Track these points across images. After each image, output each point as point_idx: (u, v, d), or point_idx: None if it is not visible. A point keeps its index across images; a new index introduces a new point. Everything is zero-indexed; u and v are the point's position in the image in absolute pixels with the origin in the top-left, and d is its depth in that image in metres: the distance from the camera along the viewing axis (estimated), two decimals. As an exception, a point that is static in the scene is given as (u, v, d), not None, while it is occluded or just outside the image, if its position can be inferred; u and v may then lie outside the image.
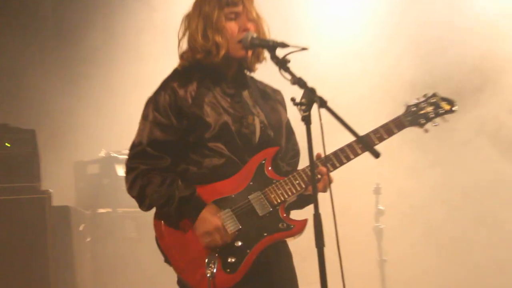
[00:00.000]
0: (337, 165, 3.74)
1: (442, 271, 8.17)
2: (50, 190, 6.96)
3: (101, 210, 8.24)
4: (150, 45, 9.17)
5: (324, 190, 3.69)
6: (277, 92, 4.02)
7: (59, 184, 8.22)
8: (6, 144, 6.89)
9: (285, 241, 3.83)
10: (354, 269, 6.99)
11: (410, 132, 3.96)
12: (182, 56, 3.85)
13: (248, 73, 3.93)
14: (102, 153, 8.59)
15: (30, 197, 6.83)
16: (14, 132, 6.95)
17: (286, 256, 3.88)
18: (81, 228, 7.86)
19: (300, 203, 3.86)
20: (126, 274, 7.92)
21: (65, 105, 9.21)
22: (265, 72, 3.88)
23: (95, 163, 8.62)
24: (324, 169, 3.69)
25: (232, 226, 3.66)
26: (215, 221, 3.63)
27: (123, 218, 8.22)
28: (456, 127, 7.92)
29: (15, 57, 9.07)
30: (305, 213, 3.70)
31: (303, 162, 3.76)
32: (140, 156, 3.76)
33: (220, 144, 3.71)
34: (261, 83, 4.01)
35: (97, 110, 9.23)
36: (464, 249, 8.17)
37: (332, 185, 3.54)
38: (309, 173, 3.69)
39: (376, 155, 3.32)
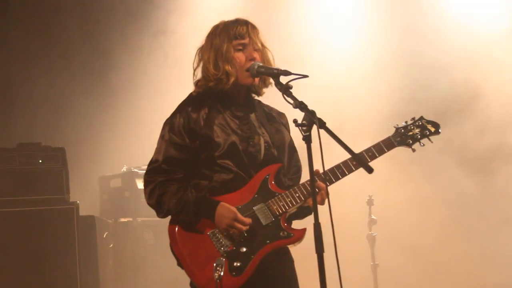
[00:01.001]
0: (333, 180, 3.76)
1: (429, 274, 8.16)
2: (77, 201, 7.00)
3: (123, 220, 8.23)
4: (167, 77, 9.17)
5: (322, 203, 3.69)
6: (281, 115, 4.04)
7: (86, 196, 8.25)
8: (39, 160, 6.94)
9: (287, 248, 3.84)
10: (349, 273, 7.00)
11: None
12: (196, 84, 3.89)
13: (256, 97, 3.97)
14: (124, 169, 8.60)
15: (60, 208, 6.89)
16: (46, 150, 7.02)
17: (287, 261, 3.89)
18: (104, 235, 7.87)
19: (300, 214, 3.88)
20: (145, 277, 7.92)
21: (92, 127, 9.27)
22: (272, 95, 3.91)
23: (117, 177, 8.65)
24: (322, 184, 3.71)
25: (238, 233, 3.69)
26: (231, 213, 3.66)
27: (142, 227, 8.20)
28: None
29: (48, 85, 9.14)
30: (305, 223, 3.72)
31: (304, 177, 3.80)
32: (156, 171, 3.80)
33: (229, 161, 3.75)
34: (267, 106, 4.03)
35: (119, 131, 9.24)
36: (440, 254, 8.18)
37: (330, 197, 3.55)
38: (308, 187, 3.73)
39: (370, 170, 3.39)
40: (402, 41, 8.63)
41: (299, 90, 3.58)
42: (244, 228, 3.65)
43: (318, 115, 3.36)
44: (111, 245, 8.04)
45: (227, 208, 3.67)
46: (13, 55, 9.01)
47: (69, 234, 6.84)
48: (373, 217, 7.41)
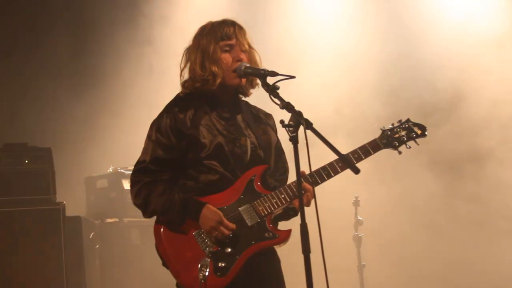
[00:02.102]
0: (319, 181, 3.76)
1: (416, 273, 8.23)
2: (64, 202, 6.97)
3: (109, 220, 8.21)
4: (154, 80, 9.17)
5: (308, 205, 3.69)
6: (269, 116, 4.04)
7: (72, 196, 8.21)
8: (26, 161, 6.91)
9: (274, 248, 3.84)
10: (336, 273, 7.02)
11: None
12: (183, 85, 3.89)
13: (243, 97, 3.96)
14: (110, 169, 8.58)
15: (46, 208, 6.85)
16: (32, 150, 6.98)
17: (273, 262, 3.89)
18: (91, 236, 7.85)
19: (286, 216, 3.87)
20: (132, 277, 7.89)
21: (78, 127, 9.23)
22: (259, 95, 3.91)
23: (103, 178, 8.62)
24: (308, 186, 3.71)
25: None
26: (215, 216, 3.65)
27: (129, 227, 8.19)
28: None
29: (36, 87, 9.10)
30: (291, 224, 3.72)
31: (291, 178, 3.80)
32: (143, 172, 3.80)
33: (215, 162, 3.74)
34: (254, 107, 4.03)
35: (105, 131, 9.22)
36: (422, 253, 8.29)
37: (316, 198, 3.55)
38: (294, 188, 3.73)
39: (356, 171, 3.40)
40: (388, 42, 8.69)
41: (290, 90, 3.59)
42: (227, 232, 3.64)
43: (305, 116, 3.37)
44: (98, 246, 8.01)
45: (212, 211, 3.67)
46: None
47: (55, 234, 6.80)
48: (359, 218, 7.42)
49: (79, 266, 7.30)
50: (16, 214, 6.73)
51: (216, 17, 3.93)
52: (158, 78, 8.93)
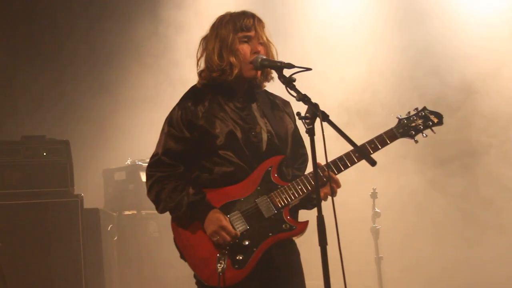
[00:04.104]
0: (336, 172, 3.72)
1: (432, 265, 8.19)
2: (82, 194, 7.00)
3: (127, 212, 8.26)
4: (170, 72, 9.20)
5: (325, 199, 3.66)
6: (286, 104, 4.00)
7: (91, 189, 8.26)
8: (44, 153, 6.94)
9: (293, 240, 3.81)
10: (354, 265, 7.02)
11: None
12: (200, 75, 3.87)
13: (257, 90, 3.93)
14: (128, 161, 8.61)
15: (64, 200, 6.90)
16: (50, 143, 7.02)
17: (292, 254, 3.85)
18: (109, 228, 7.88)
19: (308, 205, 3.84)
20: (150, 269, 7.92)
21: (97, 121, 9.28)
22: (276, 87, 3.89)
23: (121, 170, 8.65)
24: (333, 175, 3.68)
25: (241, 226, 3.66)
26: (220, 221, 3.62)
27: (147, 219, 8.22)
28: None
29: (53, 81, 9.15)
30: (309, 215, 3.69)
31: (309, 168, 3.77)
32: (156, 165, 3.80)
33: (230, 152, 3.72)
34: (272, 94, 4.00)
35: (123, 123, 9.26)
36: (439, 245, 8.27)
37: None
38: (311, 179, 3.69)
39: (373, 163, 3.34)
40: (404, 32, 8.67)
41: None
42: (228, 238, 3.61)
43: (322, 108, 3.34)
44: (116, 238, 8.05)
45: (216, 216, 3.64)
46: (20, 52, 9.01)
47: (74, 226, 6.85)
48: (377, 210, 7.38)
49: (97, 258, 7.34)
50: (34, 206, 6.78)
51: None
52: (176, 73, 8.95)
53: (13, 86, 8.98)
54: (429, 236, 8.31)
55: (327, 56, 8.75)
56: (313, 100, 3.38)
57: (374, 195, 7.39)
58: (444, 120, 3.88)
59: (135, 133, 9.04)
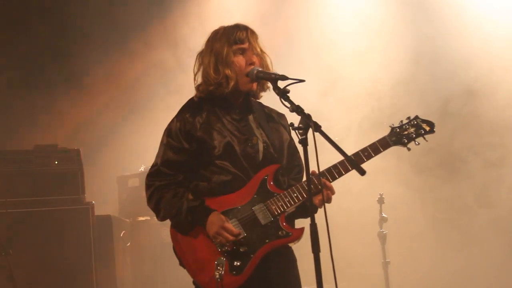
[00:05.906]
0: (330, 180, 3.78)
1: (439, 270, 8.19)
2: (93, 201, 7.10)
3: (141, 218, 8.30)
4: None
5: (320, 206, 3.72)
6: (281, 116, 4.07)
7: (104, 195, 8.33)
8: (55, 162, 7.04)
9: (290, 247, 3.87)
10: (362, 269, 7.06)
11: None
12: (197, 88, 3.94)
13: (253, 99, 4.00)
14: (142, 168, 8.67)
15: (76, 208, 6.99)
16: (61, 152, 7.12)
17: (289, 261, 3.92)
18: (122, 234, 7.94)
19: (303, 213, 3.88)
20: (162, 274, 7.97)
21: (110, 128, 9.36)
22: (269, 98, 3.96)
23: (135, 177, 8.73)
24: (328, 183, 3.74)
25: None
26: (222, 221, 3.69)
27: (160, 225, 8.24)
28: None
29: (66, 92, 9.25)
30: (304, 222, 3.75)
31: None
32: (155, 175, 3.88)
33: (227, 162, 3.79)
34: (267, 107, 4.07)
35: (137, 131, 9.32)
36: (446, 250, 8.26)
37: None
38: (306, 187, 3.74)
39: (362, 172, 3.42)
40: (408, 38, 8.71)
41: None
42: (231, 238, 3.67)
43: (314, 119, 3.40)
44: (129, 244, 8.10)
45: (218, 217, 3.71)
46: (31, 58, 9.10)
47: (85, 233, 6.94)
48: (383, 215, 7.40)
49: (109, 263, 7.41)
50: (46, 214, 6.88)
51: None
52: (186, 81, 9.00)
53: (27, 95, 9.07)
54: (437, 241, 8.31)
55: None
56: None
57: (381, 201, 7.42)
58: (436, 128, 3.94)
59: (149, 140, 9.08)
